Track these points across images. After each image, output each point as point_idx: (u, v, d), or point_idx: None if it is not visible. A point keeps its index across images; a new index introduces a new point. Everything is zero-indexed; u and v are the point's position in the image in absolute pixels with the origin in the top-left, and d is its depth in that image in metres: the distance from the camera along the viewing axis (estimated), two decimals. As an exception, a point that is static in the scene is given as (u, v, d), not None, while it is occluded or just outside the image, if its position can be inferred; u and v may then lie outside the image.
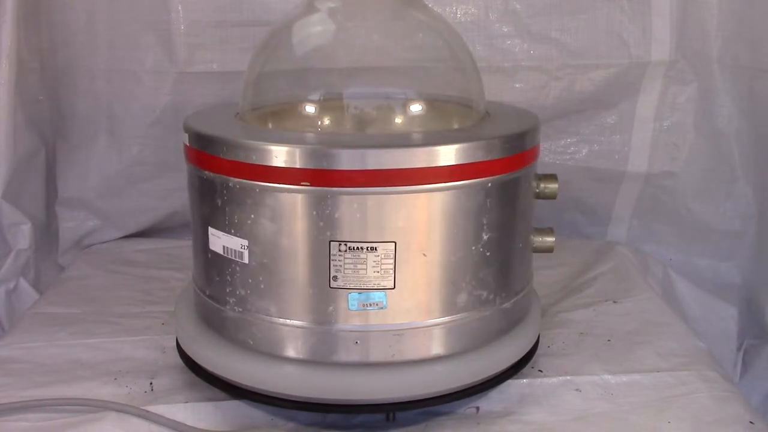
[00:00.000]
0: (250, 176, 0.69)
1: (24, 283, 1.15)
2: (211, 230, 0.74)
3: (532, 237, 0.81)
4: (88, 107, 1.20)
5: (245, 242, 0.71)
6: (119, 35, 1.15)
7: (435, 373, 0.73)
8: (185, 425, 0.75)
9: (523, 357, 0.82)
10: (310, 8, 0.87)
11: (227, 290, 0.74)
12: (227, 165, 0.70)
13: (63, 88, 1.19)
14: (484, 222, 0.72)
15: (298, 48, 0.87)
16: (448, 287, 0.72)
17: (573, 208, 1.27)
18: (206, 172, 0.73)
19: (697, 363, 0.88)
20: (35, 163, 1.19)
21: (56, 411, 0.77)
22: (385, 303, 0.70)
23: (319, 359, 0.72)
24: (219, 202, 0.72)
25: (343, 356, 0.71)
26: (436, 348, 0.73)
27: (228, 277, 0.74)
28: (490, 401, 0.81)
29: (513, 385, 0.83)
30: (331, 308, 0.70)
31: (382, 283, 0.69)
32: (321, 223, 0.68)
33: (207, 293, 0.77)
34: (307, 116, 0.83)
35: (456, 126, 0.84)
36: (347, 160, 0.67)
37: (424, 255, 0.70)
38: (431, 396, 0.74)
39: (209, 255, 0.75)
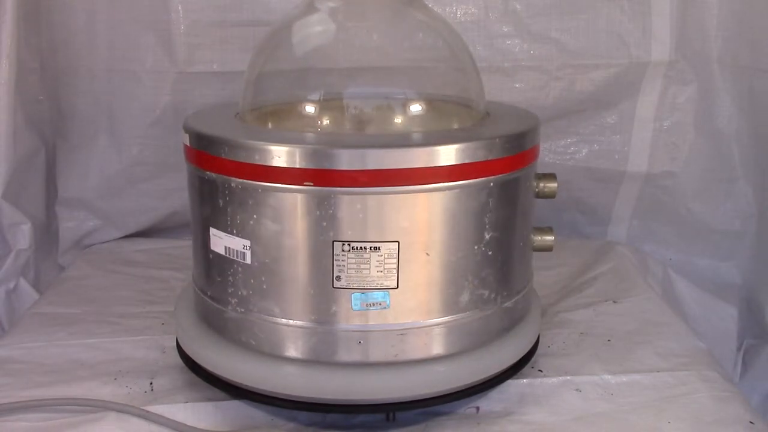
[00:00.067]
0: (252, 176, 0.69)
1: (24, 283, 1.15)
2: (212, 231, 0.74)
3: (532, 236, 0.81)
4: (88, 107, 1.20)
5: (247, 243, 0.71)
6: (119, 35, 1.15)
7: (436, 372, 0.73)
8: (185, 425, 0.75)
9: (524, 357, 0.82)
10: (310, 8, 0.87)
11: (229, 291, 0.74)
12: (229, 165, 0.70)
13: (63, 88, 1.19)
14: (487, 221, 0.72)
15: (298, 48, 0.87)
16: (451, 286, 0.72)
17: (573, 208, 1.27)
18: (207, 173, 0.73)
19: (697, 363, 0.88)
20: (35, 163, 1.19)
21: (56, 411, 0.77)
22: (388, 303, 0.70)
23: (321, 359, 0.72)
24: (220, 202, 0.72)
25: (346, 356, 0.71)
26: (438, 348, 0.73)
27: (230, 278, 0.74)
28: (490, 401, 0.81)
29: (513, 385, 0.83)
30: (334, 308, 0.70)
31: (385, 283, 0.69)
32: (324, 223, 0.68)
33: (208, 294, 0.77)
34: (308, 116, 0.83)
35: (456, 126, 0.84)
36: (351, 160, 0.67)
37: (427, 254, 0.70)
38: (432, 396, 0.74)
39: (210, 255, 0.75)
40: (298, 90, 0.85)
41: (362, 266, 0.69)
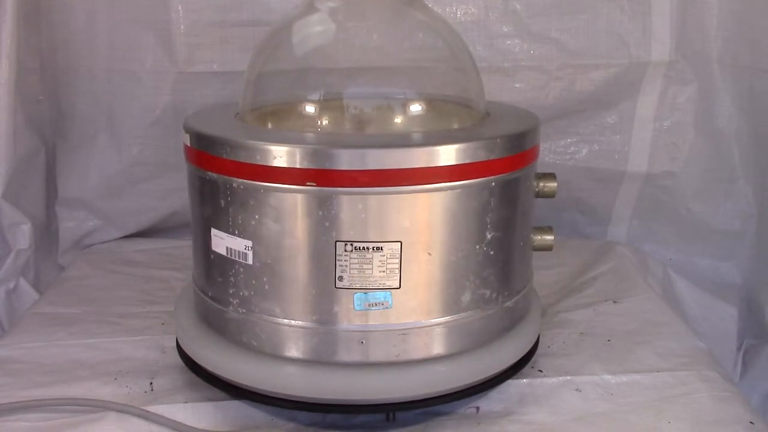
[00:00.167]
0: (254, 177, 0.69)
1: (24, 283, 1.15)
2: (213, 231, 0.74)
3: (532, 236, 0.81)
4: (88, 107, 1.20)
5: (249, 243, 0.71)
6: (119, 35, 1.15)
7: (437, 372, 0.73)
8: (185, 425, 0.75)
9: (524, 357, 0.82)
10: (310, 8, 0.87)
11: (230, 291, 0.74)
12: (230, 166, 0.70)
13: (63, 88, 1.19)
14: (488, 221, 0.72)
15: (298, 48, 0.87)
16: (453, 286, 0.72)
17: (573, 207, 1.27)
18: (208, 173, 0.73)
19: (697, 363, 0.88)
20: (35, 163, 1.19)
21: (56, 411, 0.77)
22: (390, 303, 0.70)
23: (322, 359, 0.72)
24: (222, 203, 0.72)
25: (347, 356, 0.71)
26: (439, 347, 0.73)
27: (231, 278, 0.73)
28: (490, 401, 0.81)
29: (513, 385, 0.83)
30: (335, 308, 0.70)
31: (388, 283, 0.69)
32: (327, 224, 0.68)
33: (209, 294, 0.77)
34: (308, 116, 0.83)
35: (456, 126, 0.84)
36: (351, 161, 0.67)
37: (429, 254, 0.70)
38: (432, 396, 0.74)
39: (212, 256, 0.75)
40: (298, 90, 0.85)
41: (365, 266, 0.69)
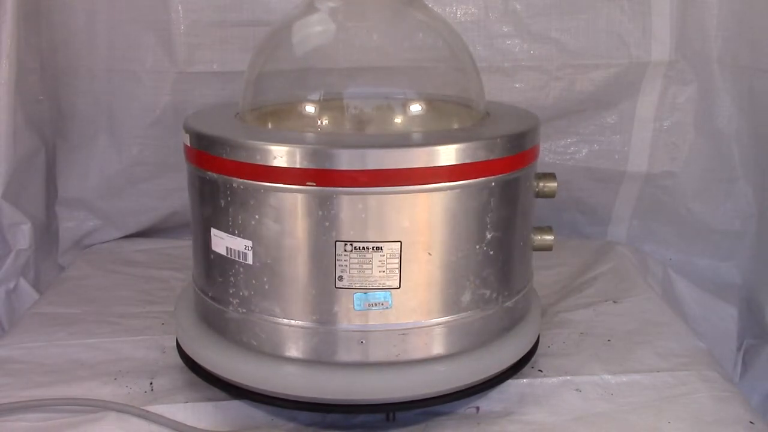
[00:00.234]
0: (254, 177, 0.69)
1: (24, 283, 1.15)
2: (213, 231, 0.74)
3: (532, 235, 0.81)
4: (88, 107, 1.20)
5: (249, 243, 0.71)
6: (119, 35, 1.15)
7: (437, 372, 0.73)
8: (185, 425, 0.75)
9: (524, 357, 0.82)
10: (310, 8, 0.87)
11: (230, 291, 0.74)
12: (230, 165, 0.70)
13: (63, 88, 1.19)
14: (488, 221, 0.72)
15: (298, 48, 0.87)
16: (453, 286, 0.72)
17: (573, 207, 1.27)
18: (208, 173, 0.73)
19: (697, 363, 0.88)
20: (35, 163, 1.19)
21: (56, 411, 0.77)
22: (390, 303, 0.70)
23: (322, 359, 0.72)
24: (222, 203, 0.72)
25: (347, 356, 0.71)
26: (439, 347, 0.73)
27: (231, 278, 0.73)
28: (490, 401, 0.81)
29: (513, 385, 0.83)
30: (335, 308, 0.70)
31: (388, 283, 0.69)
32: (327, 224, 0.68)
33: (209, 294, 0.77)
34: (308, 116, 0.83)
35: (456, 126, 0.84)
36: (351, 160, 0.67)
37: (429, 254, 0.70)
38: (432, 396, 0.74)
39: (212, 256, 0.75)
40: (298, 90, 0.85)
41: (365, 266, 0.69)
